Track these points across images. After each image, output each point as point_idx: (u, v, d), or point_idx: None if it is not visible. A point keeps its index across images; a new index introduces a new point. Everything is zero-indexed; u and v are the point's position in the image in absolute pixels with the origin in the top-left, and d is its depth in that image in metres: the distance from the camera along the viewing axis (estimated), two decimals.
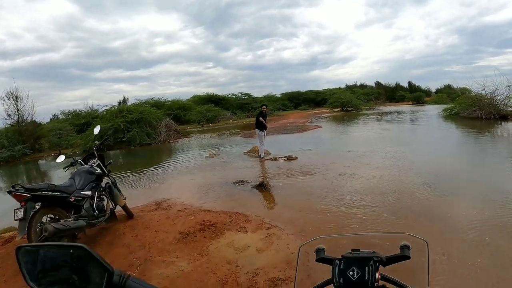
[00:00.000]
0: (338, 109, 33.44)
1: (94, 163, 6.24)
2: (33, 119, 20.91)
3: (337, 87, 46.24)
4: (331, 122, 25.79)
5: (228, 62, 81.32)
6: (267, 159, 12.51)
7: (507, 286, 3.96)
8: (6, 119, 20.13)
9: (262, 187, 8.65)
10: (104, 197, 6.06)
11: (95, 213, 5.55)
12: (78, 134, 20.60)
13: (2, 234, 6.37)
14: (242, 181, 9.38)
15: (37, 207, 4.76)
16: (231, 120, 29.36)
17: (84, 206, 5.42)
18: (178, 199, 8.02)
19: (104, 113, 22.33)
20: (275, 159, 12.41)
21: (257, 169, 11.19)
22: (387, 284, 1.26)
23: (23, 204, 4.64)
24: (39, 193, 4.77)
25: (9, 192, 4.69)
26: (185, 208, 7.25)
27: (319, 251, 1.32)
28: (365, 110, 32.98)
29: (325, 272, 1.35)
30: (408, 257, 1.24)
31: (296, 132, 20.36)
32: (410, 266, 1.26)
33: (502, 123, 17.41)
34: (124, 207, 6.57)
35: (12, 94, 20.23)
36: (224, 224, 6.19)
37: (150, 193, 8.97)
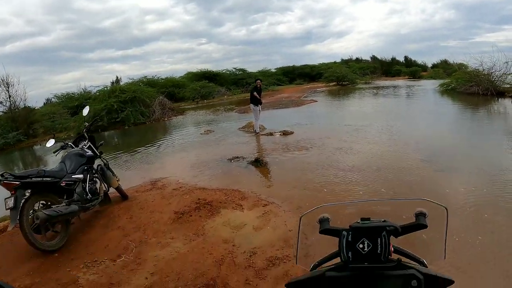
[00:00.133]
0: (334, 83, 33.10)
1: (84, 145, 6.08)
2: (26, 105, 20.64)
3: (333, 61, 45.63)
4: (327, 96, 25.50)
5: (222, 38, 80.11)
6: (262, 134, 12.35)
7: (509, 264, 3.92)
8: None
9: (258, 163, 8.55)
10: (96, 179, 5.94)
11: (88, 197, 5.43)
12: (72, 117, 20.35)
13: None
14: (237, 157, 9.26)
15: (28, 194, 4.61)
16: (225, 96, 29.05)
17: (76, 190, 5.29)
18: (173, 178, 7.89)
19: (97, 94, 22.04)
20: (271, 134, 12.25)
21: (253, 145, 11.07)
22: (402, 258, 1.11)
23: (13, 192, 4.48)
24: (28, 180, 4.59)
25: None
26: (180, 187, 7.13)
27: (323, 221, 1.20)
28: (361, 84, 32.69)
29: (326, 248, 1.23)
30: (425, 226, 1.11)
31: (291, 106, 20.12)
32: (419, 235, 1.14)
33: (499, 99, 17.28)
34: (118, 189, 6.44)
35: (2, 81, 19.81)
36: (220, 202, 6.10)
37: (145, 172, 8.82)
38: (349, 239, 1.05)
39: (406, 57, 48.83)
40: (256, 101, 12.30)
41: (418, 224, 1.12)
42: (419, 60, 48.85)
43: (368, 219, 1.08)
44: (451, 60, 35.72)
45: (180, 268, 4.14)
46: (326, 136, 11.14)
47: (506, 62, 18.58)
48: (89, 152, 5.95)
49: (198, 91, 27.99)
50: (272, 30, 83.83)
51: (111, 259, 4.43)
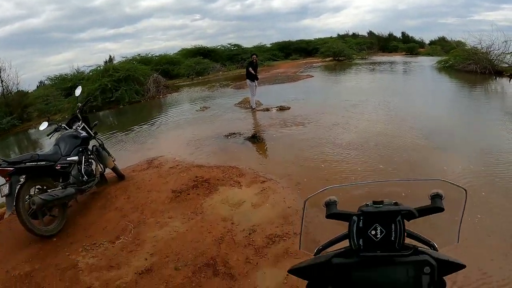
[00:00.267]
0: (330, 58, 32.69)
1: (78, 126, 5.97)
2: (19, 89, 20.36)
3: (329, 36, 45.10)
4: (323, 71, 25.17)
5: (216, 13, 78.63)
6: (259, 110, 12.23)
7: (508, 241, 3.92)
8: None
9: (255, 139, 8.48)
10: (92, 160, 5.85)
11: (84, 179, 5.35)
12: (66, 98, 20.12)
13: None
14: (234, 133, 9.18)
15: (23, 180, 4.52)
16: (221, 72, 28.70)
17: (72, 173, 5.20)
18: (170, 156, 7.79)
19: (90, 74, 21.73)
20: (267, 109, 12.13)
21: (249, 121, 10.96)
22: (413, 242, 1.07)
23: (7, 179, 4.40)
24: (22, 165, 4.50)
25: None
26: (177, 165, 7.06)
27: (330, 204, 1.11)
28: (357, 59, 32.33)
29: (330, 231, 1.19)
30: (442, 209, 1.04)
31: (287, 82, 19.83)
32: (428, 217, 1.07)
33: (497, 78, 17.11)
34: (114, 169, 6.36)
35: None
36: (218, 179, 6.06)
37: (141, 151, 8.71)
38: (360, 225, 0.98)
39: (403, 33, 48.14)
40: (252, 77, 12.12)
41: (435, 207, 1.06)
42: (417, 36, 48.07)
43: (381, 202, 1.00)
44: (449, 37, 35.40)
45: (179, 248, 4.12)
46: (323, 111, 11.04)
47: (505, 41, 18.36)
48: (84, 133, 5.84)
49: (193, 68, 27.67)
50: (267, 4, 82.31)
51: (110, 241, 4.41)
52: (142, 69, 21.25)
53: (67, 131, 5.76)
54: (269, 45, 39.12)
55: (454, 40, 27.00)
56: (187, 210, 5.03)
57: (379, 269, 0.97)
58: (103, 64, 23.11)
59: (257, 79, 12.36)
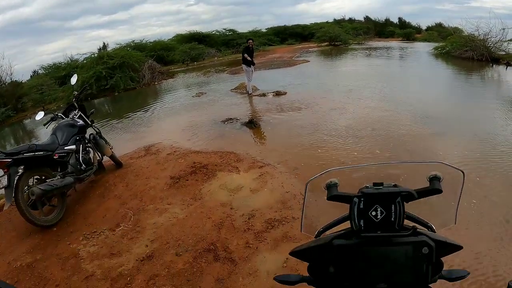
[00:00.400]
0: (326, 43, 32.46)
1: (75, 115, 5.93)
2: (13, 79, 20.17)
3: (325, 21, 44.74)
4: (319, 56, 25.02)
5: None
6: (255, 95, 12.17)
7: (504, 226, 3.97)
8: None
9: (251, 124, 8.48)
10: (89, 149, 5.84)
11: (82, 167, 5.34)
12: (60, 87, 19.97)
13: None
14: (231, 119, 9.17)
15: (21, 171, 4.50)
16: (216, 58, 28.51)
17: (70, 162, 5.19)
18: (167, 142, 7.78)
19: (85, 62, 21.52)
20: (264, 95, 12.08)
21: (246, 106, 10.93)
22: (411, 223, 1.07)
23: (5, 170, 4.38)
24: (20, 156, 4.47)
25: None
26: (174, 151, 7.06)
27: (330, 186, 1.11)
28: (353, 44, 32.15)
29: (331, 214, 1.20)
30: (440, 191, 1.06)
31: (283, 67, 19.73)
32: (426, 199, 1.08)
33: (494, 65, 17.07)
34: (112, 157, 6.34)
35: None
36: (216, 165, 6.08)
37: (138, 138, 8.66)
38: (361, 206, 1.00)
39: (400, 19, 47.75)
40: (248, 62, 12.01)
41: (433, 189, 1.07)
42: (414, 22, 47.66)
43: (381, 184, 1.02)
44: (446, 23, 35.14)
45: (179, 234, 4.15)
46: (319, 96, 11.04)
47: (503, 29, 18.26)
48: (80, 122, 5.81)
49: (188, 54, 27.44)
50: None
51: (110, 229, 4.43)
52: (136, 56, 21.05)
53: (63, 120, 5.72)
54: (264, 30, 38.80)
55: (451, 27, 26.84)
56: (186, 196, 5.06)
57: (379, 250, 0.99)
58: (97, 52, 22.86)
59: (253, 64, 12.26)
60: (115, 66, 18.83)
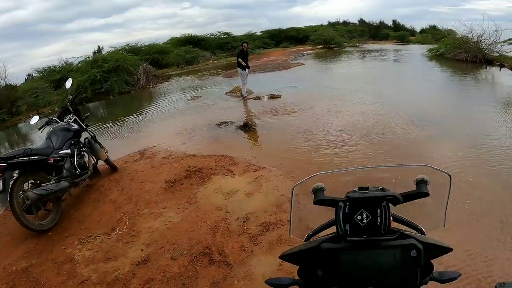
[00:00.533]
0: (321, 46, 32.54)
1: (70, 119, 5.93)
2: (7, 83, 20.04)
3: (319, 24, 44.84)
4: (314, 59, 25.07)
5: (205, 2, 77.30)
6: (250, 99, 12.21)
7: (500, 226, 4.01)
8: None
9: (246, 127, 8.49)
10: (84, 153, 5.83)
11: (77, 172, 5.33)
12: (55, 90, 19.89)
13: None
14: (226, 122, 9.18)
15: (16, 175, 4.48)
16: (211, 61, 28.50)
17: (65, 166, 5.18)
18: (162, 146, 7.78)
19: (79, 65, 21.46)
20: (258, 98, 12.11)
21: (241, 109, 10.94)
22: (401, 226, 1.10)
23: (0, 175, 4.38)
24: (15, 160, 4.47)
25: None
26: (169, 155, 7.07)
27: (317, 191, 1.12)
28: (348, 47, 32.24)
29: (322, 217, 1.21)
30: (427, 194, 1.07)
31: (278, 70, 19.75)
32: (416, 202, 1.10)
33: (487, 67, 17.18)
34: (107, 161, 6.35)
35: None
36: (211, 168, 6.10)
37: (133, 142, 8.64)
38: (347, 210, 1.00)
39: (394, 21, 47.89)
40: (243, 66, 12.07)
41: (420, 192, 1.08)
42: (408, 24, 47.88)
43: (367, 188, 1.03)
44: (440, 26, 35.42)
45: (175, 238, 4.16)
46: (314, 99, 11.07)
47: (496, 31, 18.34)
48: (75, 126, 5.80)
49: (183, 57, 27.42)
50: None
51: (105, 233, 4.44)
52: (131, 59, 20.99)
53: (58, 124, 5.72)
54: (259, 33, 38.82)
55: (445, 29, 27.05)
56: (181, 200, 5.07)
57: (367, 253, 1.00)
58: (91, 55, 22.83)
59: (248, 67, 12.31)
60: (110, 70, 18.78)
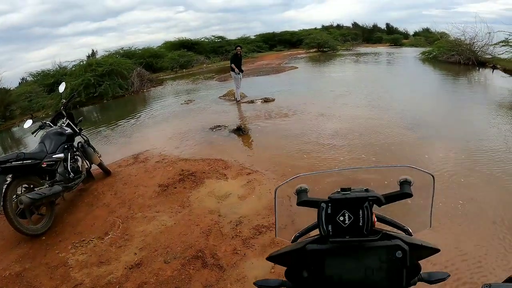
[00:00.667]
0: (314, 49, 32.68)
1: (63, 123, 5.95)
2: (1, 86, 19.92)
3: (313, 27, 45.00)
4: (308, 62, 25.21)
5: (199, 6, 77.29)
6: (243, 102, 12.25)
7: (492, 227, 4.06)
8: None
9: (240, 131, 8.53)
10: (78, 157, 5.84)
11: (70, 176, 5.35)
12: (49, 94, 19.81)
13: None
14: (219, 126, 9.21)
15: (9, 179, 4.49)
16: (205, 65, 28.53)
17: (58, 170, 5.19)
18: (155, 150, 7.81)
19: (73, 69, 21.40)
20: (252, 101, 12.16)
21: (234, 113, 10.98)
22: (385, 227, 1.11)
23: None
24: (8, 164, 4.48)
25: None
26: (163, 159, 7.09)
27: (300, 192, 1.15)
28: (341, 50, 32.38)
29: (309, 218, 1.20)
30: (410, 195, 1.08)
31: (272, 73, 19.85)
32: (404, 202, 1.12)
33: (480, 69, 17.35)
34: (100, 165, 6.36)
35: None
36: (204, 172, 6.12)
37: (126, 146, 8.67)
38: (329, 211, 1.01)
39: (387, 24, 48.24)
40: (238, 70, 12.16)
41: (403, 193, 1.09)
42: (401, 27, 48.20)
43: (349, 189, 1.03)
44: (433, 28, 35.54)
45: (168, 241, 4.18)
46: (307, 102, 11.15)
47: (488, 33, 18.50)
48: (69, 130, 5.82)
49: (177, 61, 27.42)
50: None
51: (98, 238, 4.44)
52: (125, 63, 20.96)
53: (52, 128, 5.74)
54: (253, 37, 38.88)
55: (438, 32, 27.17)
56: (175, 204, 5.09)
57: (352, 255, 1.00)
58: (85, 59, 22.75)
59: (242, 71, 12.37)
60: (104, 74, 18.74)
